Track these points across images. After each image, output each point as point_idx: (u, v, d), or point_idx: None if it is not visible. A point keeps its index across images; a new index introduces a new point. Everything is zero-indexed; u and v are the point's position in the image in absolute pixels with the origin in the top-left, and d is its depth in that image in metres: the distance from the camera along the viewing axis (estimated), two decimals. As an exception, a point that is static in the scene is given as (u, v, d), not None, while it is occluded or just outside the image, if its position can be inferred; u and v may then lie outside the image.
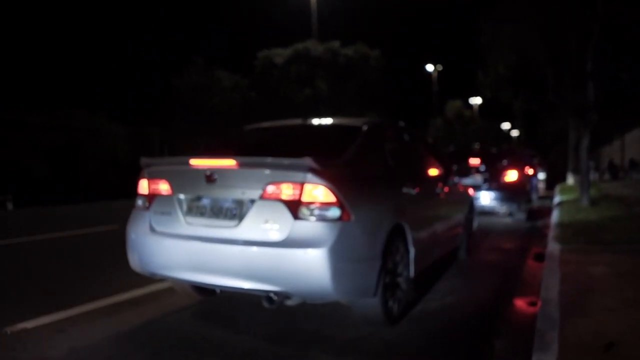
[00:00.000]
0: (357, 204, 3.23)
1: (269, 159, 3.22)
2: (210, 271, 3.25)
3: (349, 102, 29.15)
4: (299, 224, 3.09)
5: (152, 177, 3.62)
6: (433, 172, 5.07)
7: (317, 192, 3.10)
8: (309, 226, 3.08)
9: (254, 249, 3.10)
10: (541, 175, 17.25)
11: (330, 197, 3.10)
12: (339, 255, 3.05)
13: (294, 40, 29.64)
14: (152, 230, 3.53)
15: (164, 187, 3.55)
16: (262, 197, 3.17)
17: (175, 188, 3.50)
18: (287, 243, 3.06)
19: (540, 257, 6.38)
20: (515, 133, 54.52)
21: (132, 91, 31.06)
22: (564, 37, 13.36)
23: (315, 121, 4.42)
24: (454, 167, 5.55)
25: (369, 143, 3.83)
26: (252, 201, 3.20)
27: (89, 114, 29.78)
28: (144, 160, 3.66)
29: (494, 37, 15.76)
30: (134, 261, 3.65)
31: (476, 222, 6.54)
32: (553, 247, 6.53)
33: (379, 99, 30.74)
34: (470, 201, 6.17)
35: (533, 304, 4.39)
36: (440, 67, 48.44)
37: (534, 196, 14.26)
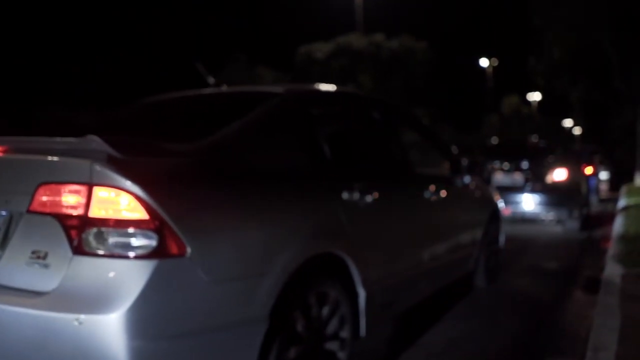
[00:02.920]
0: (207, 224, 1.68)
1: (43, 140, 1.74)
2: None
3: (393, 97, 27.26)
4: (81, 262, 1.58)
5: None
6: (422, 169, 3.42)
7: (119, 200, 1.58)
8: (96, 267, 1.57)
9: (6, 307, 1.62)
10: (604, 175, 14.77)
11: (139, 211, 1.57)
12: (151, 325, 1.52)
13: (339, 35, 28.11)
14: None
15: None
16: (30, 209, 1.69)
17: None
18: (56, 299, 1.56)
19: (593, 286, 4.55)
20: (578, 131, 50.35)
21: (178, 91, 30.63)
22: (633, 11, 11.10)
23: (231, 89, 2.90)
24: (464, 163, 3.84)
25: (277, 119, 2.25)
26: (21, 215, 1.73)
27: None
28: None
29: (549, 17, 13.55)
30: None
31: (503, 237, 4.76)
32: (612, 270, 4.68)
33: (426, 93, 28.62)
34: (494, 209, 4.42)
35: (572, 379, 2.68)
36: (495, 62, 45.46)
37: (594, 199, 11.98)
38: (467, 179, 3.88)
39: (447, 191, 3.49)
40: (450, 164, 3.87)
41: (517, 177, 7.21)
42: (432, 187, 3.22)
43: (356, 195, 2.39)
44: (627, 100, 13.72)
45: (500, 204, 4.70)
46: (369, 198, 2.46)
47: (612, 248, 5.78)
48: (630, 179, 18.31)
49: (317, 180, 2.25)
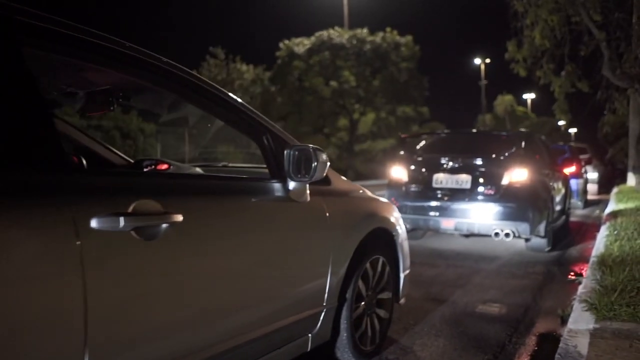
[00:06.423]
0: None
1: None
2: None
3: (378, 94, 25.44)
4: None
5: None
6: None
7: None
8: None
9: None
10: (592, 175, 12.87)
11: None
12: None
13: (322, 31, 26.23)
14: None
15: None
16: None
17: None
18: None
19: (544, 357, 2.73)
20: (574, 130, 48.25)
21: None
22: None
23: None
24: (290, 157, 2.01)
25: None
26: None
27: (121, 113, 28.10)
28: None
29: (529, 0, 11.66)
30: None
31: (403, 274, 2.90)
32: (579, 322, 2.87)
33: (413, 90, 26.72)
34: (375, 231, 2.56)
35: None
36: (488, 60, 43.94)
37: (579, 203, 10.10)
38: (291, 184, 2.04)
39: (230, 206, 1.67)
40: (264, 158, 2.05)
41: (464, 178, 5.30)
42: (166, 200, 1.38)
43: None
44: (617, 91, 11.80)
45: (399, 224, 2.85)
46: None
47: (585, 279, 3.94)
48: (623, 179, 16.35)
49: None
